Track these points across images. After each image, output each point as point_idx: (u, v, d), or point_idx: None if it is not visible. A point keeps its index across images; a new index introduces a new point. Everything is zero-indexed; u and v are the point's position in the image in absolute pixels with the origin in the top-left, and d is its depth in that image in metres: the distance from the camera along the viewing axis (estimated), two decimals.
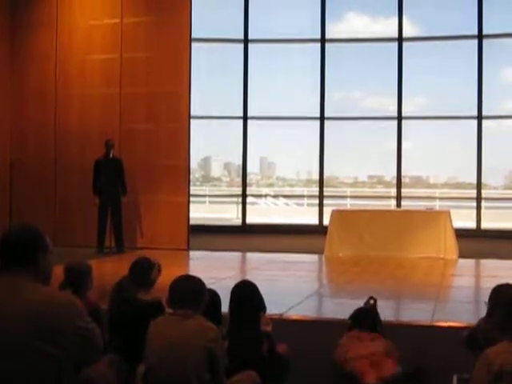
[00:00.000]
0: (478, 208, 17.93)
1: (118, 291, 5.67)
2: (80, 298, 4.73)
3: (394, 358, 5.42)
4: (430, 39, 18.79)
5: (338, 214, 14.35)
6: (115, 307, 5.56)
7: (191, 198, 15.05)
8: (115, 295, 5.68)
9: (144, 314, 4.86)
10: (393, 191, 18.86)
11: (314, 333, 7.02)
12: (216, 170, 24.71)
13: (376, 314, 6.19)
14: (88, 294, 5.67)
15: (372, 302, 6.28)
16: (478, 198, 17.92)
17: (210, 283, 5.00)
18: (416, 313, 8.54)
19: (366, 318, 6.10)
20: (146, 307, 5.21)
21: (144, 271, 5.73)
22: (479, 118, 17.74)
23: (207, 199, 23.45)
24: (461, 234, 14.28)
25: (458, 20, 18.30)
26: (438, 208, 17.09)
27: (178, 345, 4.38)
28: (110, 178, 13.64)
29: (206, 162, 24.24)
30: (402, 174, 18.56)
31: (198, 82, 14.98)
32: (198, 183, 22.51)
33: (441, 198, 20.69)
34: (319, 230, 16.74)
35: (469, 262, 13.09)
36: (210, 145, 20.46)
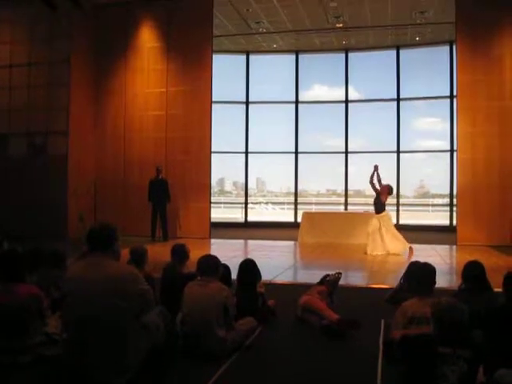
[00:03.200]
0: (397, 210, 17.94)
1: (168, 268, 5.68)
2: (140, 270, 4.75)
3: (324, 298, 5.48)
4: (366, 101, 18.81)
5: (306, 215, 14.36)
6: (166, 277, 5.57)
7: (212, 205, 15.00)
8: (166, 270, 5.68)
9: (183, 281, 4.86)
10: (342, 200, 18.83)
11: (292, 292, 7.02)
12: (228, 186, 24.66)
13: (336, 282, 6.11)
14: (145, 267, 5.68)
15: (337, 275, 6.18)
16: (397, 204, 17.95)
17: (223, 260, 5.00)
18: (357, 279, 8.57)
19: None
20: (185, 277, 5.21)
21: (181, 250, 5.73)
22: (398, 152, 17.83)
23: (222, 205, 23.39)
24: None
25: (384, 88, 18.33)
26: (371, 211, 17.05)
27: (203, 300, 4.40)
28: (159, 192, 13.66)
29: (221, 181, 24.19)
30: (348, 188, 18.57)
31: (216, 129, 14.93)
32: (216, 195, 22.41)
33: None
34: (294, 225, 16.72)
35: None
36: (223, 170, 20.43)
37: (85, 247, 3.95)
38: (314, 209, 20.38)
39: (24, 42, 14.24)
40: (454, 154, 15.24)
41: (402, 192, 18.29)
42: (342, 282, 7.28)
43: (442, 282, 7.15)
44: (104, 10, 14.97)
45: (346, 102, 18.41)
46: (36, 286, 4.60)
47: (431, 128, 19.15)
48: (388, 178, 18.31)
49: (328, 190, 22.57)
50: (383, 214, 11.64)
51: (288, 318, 5.63)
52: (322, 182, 20.95)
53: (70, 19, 14.07)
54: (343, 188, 18.55)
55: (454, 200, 15.37)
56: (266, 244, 13.27)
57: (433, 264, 4.54)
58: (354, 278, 8.69)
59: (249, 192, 19.72)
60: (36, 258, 5.33)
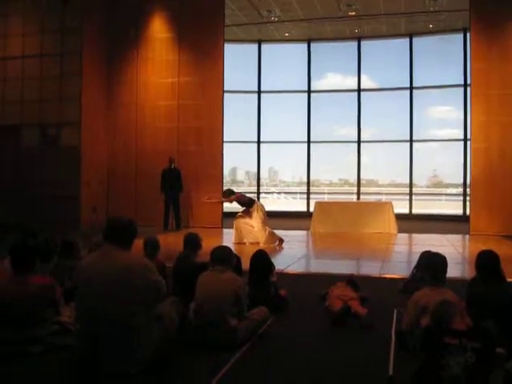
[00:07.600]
0: (410, 200, 17.87)
1: (181, 257, 5.71)
2: (152, 260, 4.78)
3: (359, 301, 5.39)
4: (379, 90, 18.73)
5: (318, 204, 14.33)
6: (178, 266, 5.60)
7: None
8: (179, 259, 5.71)
9: (196, 271, 4.87)
10: (355, 189, 18.77)
11: (304, 282, 7.03)
12: (240, 176, 24.58)
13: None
14: (158, 256, 5.72)
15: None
16: (410, 194, 17.86)
17: (234, 250, 5.01)
18: (370, 268, 8.53)
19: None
20: (197, 267, 5.22)
21: (194, 240, 5.78)
22: (411, 141, 17.71)
23: None
24: (399, 217, 14.20)
25: (397, 77, 18.18)
26: (384, 200, 17.02)
27: (216, 289, 4.41)
28: (171, 182, 13.69)
29: (233, 171, 24.15)
30: (361, 177, 18.52)
31: (228, 119, 14.90)
32: (228, 185, 22.35)
33: (386, 194, 20.56)
34: (306, 215, 16.72)
35: (404, 236, 13.03)
36: (236, 159, 20.41)
37: (95, 238, 3.98)
38: (326, 198, 20.32)
39: (36, 33, 14.25)
40: (468, 143, 15.13)
41: (414, 181, 18.21)
42: (355, 271, 7.28)
43: (455, 272, 7.14)
44: (116, 0, 14.97)
45: (359, 90, 18.30)
46: (50, 276, 4.64)
47: (444, 117, 19.00)
48: (401, 168, 18.46)
49: (340, 180, 22.49)
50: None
51: (300, 307, 5.64)
52: (334, 171, 20.90)
53: (82, 10, 14.07)
54: (356, 177, 18.49)
55: (468, 189, 15.27)
56: (279, 234, 13.26)
57: (446, 254, 4.52)
58: (367, 268, 8.67)
59: (261, 182, 19.73)
60: (50, 248, 5.38)
